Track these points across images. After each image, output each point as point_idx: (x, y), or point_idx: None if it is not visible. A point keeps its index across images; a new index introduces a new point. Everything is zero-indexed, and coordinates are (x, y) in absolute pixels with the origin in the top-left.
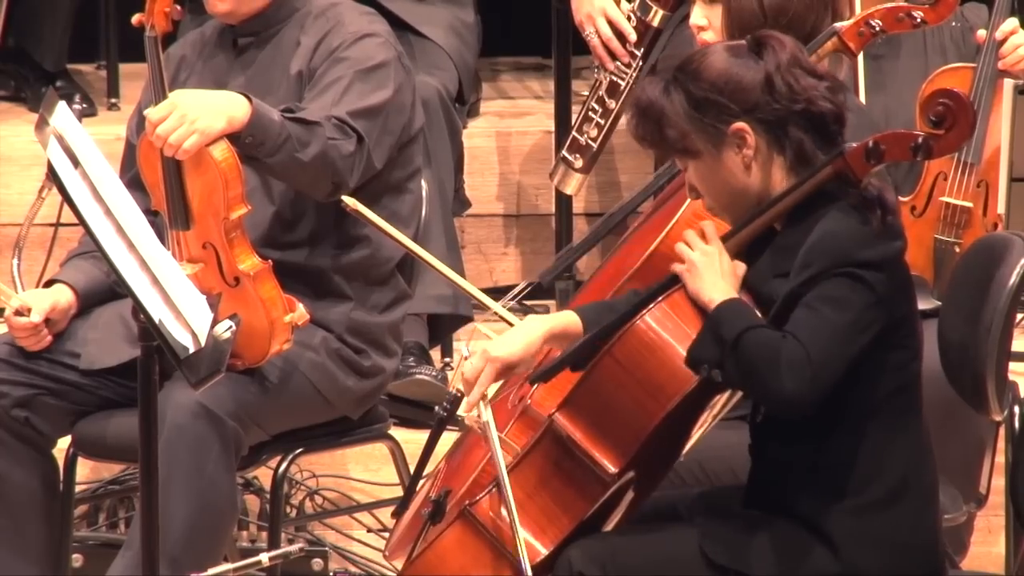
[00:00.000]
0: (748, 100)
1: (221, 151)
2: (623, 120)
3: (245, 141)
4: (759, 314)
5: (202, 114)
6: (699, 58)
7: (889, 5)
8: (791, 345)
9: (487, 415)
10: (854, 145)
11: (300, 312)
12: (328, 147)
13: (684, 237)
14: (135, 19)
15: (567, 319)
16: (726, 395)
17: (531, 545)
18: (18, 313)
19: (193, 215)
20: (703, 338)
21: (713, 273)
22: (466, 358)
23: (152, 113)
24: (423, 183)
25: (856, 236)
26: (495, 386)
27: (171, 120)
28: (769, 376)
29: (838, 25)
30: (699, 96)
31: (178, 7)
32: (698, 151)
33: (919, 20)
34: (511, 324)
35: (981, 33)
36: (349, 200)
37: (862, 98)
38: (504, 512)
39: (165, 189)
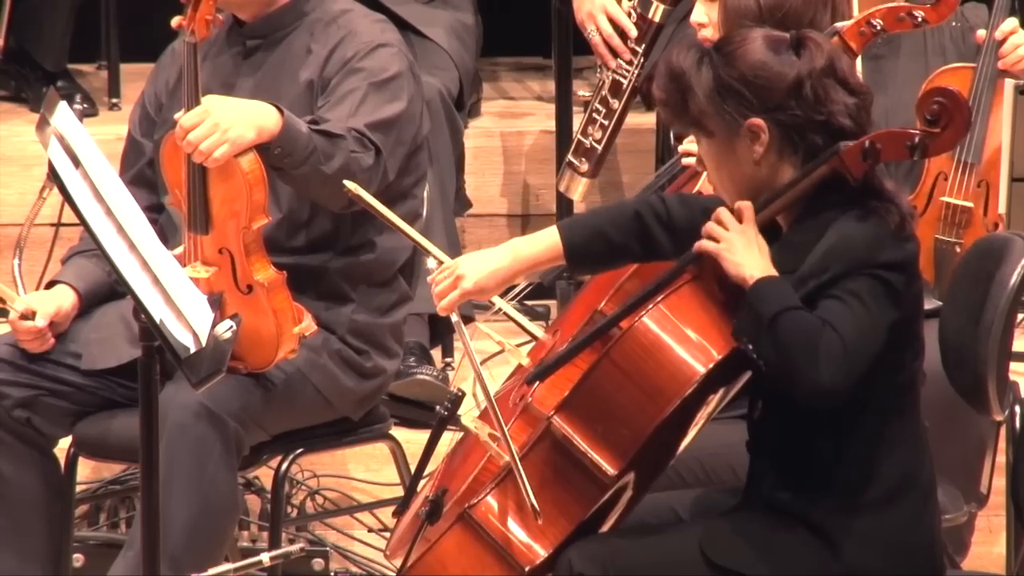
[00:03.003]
0: (772, 99)
1: (249, 162)
2: (627, 120)
3: (274, 152)
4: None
5: (234, 123)
6: (739, 42)
7: (890, 5)
8: (829, 334)
9: (455, 318)
10: (850, 144)
11: (308, 323)
12: (350, 160)
13: (717, 215)
14: (175, 22)
15: (546, 244)
16: (720, 392)
17: (530, 547)
18: (23, 317)
19: (213, 220)
20: (744, 312)
21: (753, 251)
22: (441, 272)
23: (185, 119)
24: (425, 185)
25: (872, 239)
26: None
27: (203, 128)
28: (807, 363)
29: (839, 25)
30: (726, 81)
31: (219, 16)
32: (713, 132)
33: (920, 20)
34: (514, 321)
35: (981, 33)
36: (350, 184)
37: None
38: (503, 513)
39: (187, 192)
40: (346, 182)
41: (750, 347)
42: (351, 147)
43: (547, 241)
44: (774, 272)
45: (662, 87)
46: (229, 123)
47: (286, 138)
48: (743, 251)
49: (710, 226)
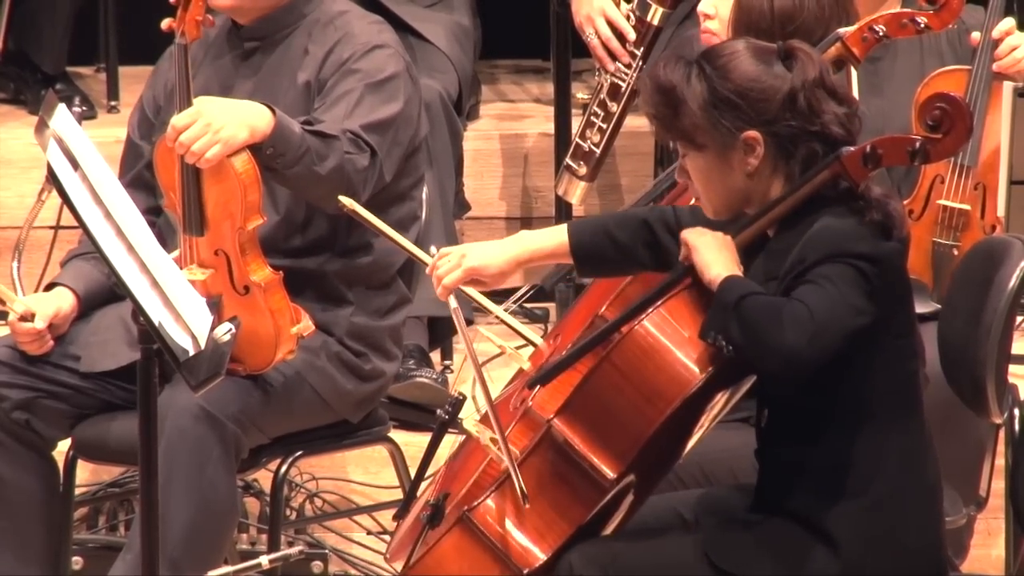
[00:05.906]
0: (768, 112)
1: (242, 162)
2: (626, 123)
3: (266, 152)
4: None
5: (226, 123)
6: (727, 54)
7: (893, 11)
8: (794, 304)
9: (454, 303)
10: (851, 149)
11: (306, 323)
12: (344, 161)
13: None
14: (165, 24)
15: (554, 240)
16: (724, 397)
17: (530, 551)
18: (22, 319)
19: (208, 222)
20: (712, 309)
21: (726, 254)
22: (443, 256)
23: (177, 120)
24: (424, 187)
25: (851, 231)
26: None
27: (195, 128)
28: (770, 330)
29: (841, 31)
30: (722, 95)
31: (210, 16)
32: (704, 145)
33: (923, 26)
34: (511, 327)
35: (976, 35)
36: (346, 200)
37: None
38: (502, 515)
39: (181, 193)
40: (341, 198)
41: (719, 338)
42: (345, 148)
43: (554, 235)
44: (740, 273)
45: (651, 102)
46: (221, 123)
47: (279, 138)
48: (717, 252)
49: (687, 232)
